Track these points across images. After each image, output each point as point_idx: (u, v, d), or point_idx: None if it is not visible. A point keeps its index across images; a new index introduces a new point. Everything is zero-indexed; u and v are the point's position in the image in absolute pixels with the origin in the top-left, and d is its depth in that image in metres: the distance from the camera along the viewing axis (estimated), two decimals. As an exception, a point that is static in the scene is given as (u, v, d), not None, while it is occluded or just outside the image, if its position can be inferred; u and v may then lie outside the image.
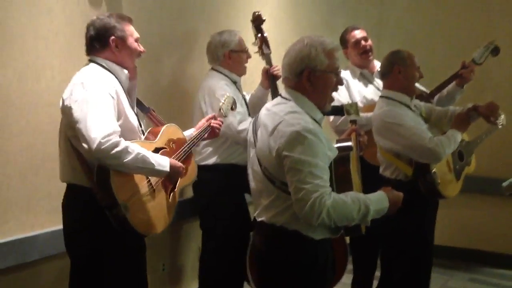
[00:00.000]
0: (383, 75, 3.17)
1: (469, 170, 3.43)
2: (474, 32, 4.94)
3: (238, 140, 3.23)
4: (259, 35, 3.47)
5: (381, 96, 3.19)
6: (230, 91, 3.25)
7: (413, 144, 2.97)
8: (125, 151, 2.22)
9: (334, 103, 3.54)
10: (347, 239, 3.34)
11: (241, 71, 3.39)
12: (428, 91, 3.67)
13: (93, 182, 2.28)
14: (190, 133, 2.79)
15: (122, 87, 2.42)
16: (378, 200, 2.16)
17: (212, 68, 3.38)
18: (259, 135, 2.21)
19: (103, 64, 2.41)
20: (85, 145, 2.21)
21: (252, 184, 2.29)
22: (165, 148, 2.54)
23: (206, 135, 2.79)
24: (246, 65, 3.42)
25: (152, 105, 3.21)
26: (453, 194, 3.26)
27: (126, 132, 2.36)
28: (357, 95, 3.77)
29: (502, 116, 3.51)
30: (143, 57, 3.11)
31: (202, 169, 3.31)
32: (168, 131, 2.60)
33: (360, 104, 3.63)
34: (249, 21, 3.65)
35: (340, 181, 2.22)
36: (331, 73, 2.17)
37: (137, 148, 2.27)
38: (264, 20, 3.48)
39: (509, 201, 4.39)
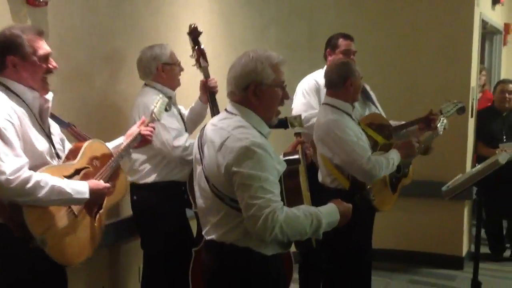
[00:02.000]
0: (334, 86, 3.17)
1: (406, 181, 3.49)
2: (401, 44, 5.13)
3: (173, 157, 3.18)
4: (196, 47, 3.45)
5: (325, 104, 3.20)
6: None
7: (352, 161, 3.02)
8: (38, 185, 2.08)
9: (306, 108, 3.68)
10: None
11: (175, 84, 3.36)
12: (393, 125, 3.72)
13: (6, 217, 2.12)
14: (119, 142, 2.67)
15: (31, 109, 2.24)
16: (329, 213, 2.16)
17: (145, 84, 3.33)
18: (205, 152, 2.17)
19: (6, 84, 2.22)
20: None
21: (200, 201, 2.24)
22: (88, 167, 2.39)
23: (136, 144, 2.67)
24: (180, 78, 3.39)
25: (84, 123, 3.15)
26: (389, 208, 3.32)
27: (33, 158, 2.18)
28: None
29: (445, 121, 3.65)
30: (73, 74, 3.09)
31: (140, 188, 3.27)
32: (91, 148, 2.44)
33: None
34: (180, 36, 3.64)
35: (290, 195, 2.22)
36: (278, 87, 2.18)
37: (50, 180, 2.13)
38: (201, 33, 3.47)
39: (446, 203, 4.56)
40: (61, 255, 2.21)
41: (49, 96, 2.37)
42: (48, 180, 2.13)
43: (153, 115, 2.77)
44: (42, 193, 2.09)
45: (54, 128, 2.43)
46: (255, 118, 2.16)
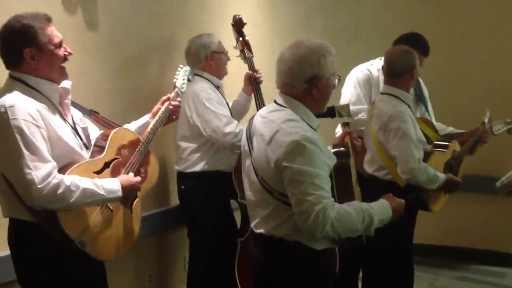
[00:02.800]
0: (396, 74, 3.07)
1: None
2: (450, 31, 4.98)
3: (224, 143, 3.18)
4: (241, 38, 3.43)
5: (387, 93, 3.11)
6: (214, 95, 3.21)
7: (403, 155, 2.96)
8: (69, 190, 1.99)
9: (355, 100, 3.61)
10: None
11: (223, 73, 3.37)
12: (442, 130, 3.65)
13: (42, 221, 2.05)
14: (145, 120, 2.54)
15: (52, 102, 2.12)
16: (382, 210, 2.11)
17: (195, 73, 3.32)
18: (255, 144, 2.13)
19: (24, 80, 2.07)
20: (21, 194, 1.97)
21: (249, 194, 2.21)
22: (117, 158, 2.29)
23: (164, 122, 2.52)
24: (226, 66, 3.39)
25: (134, 112, 3.15)
26: (439, 208, 3.25)
27: (65, 156, 2.10)
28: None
29: (487, 115, 3.52)
30: (122, 65, 3.10)
31: (188, 176, 3.28)
32: (117, 138, 2.32)
33: None
34: (225, 26, 3.61)
35: (341, 190, 2.16)
36: (334, 78, 2.15)
37: (81, 183, 2.03)
38: (245, 24, 3.45)
39: (496, 198, 4.41)
40: (101, 252, 2.18)
41: (67, 84, 2.22)
42: (79, 183, 2.04)
43: (176, 88, 2.62)
44: (74, 197, 2.00)
45: (76, 116, 2.31)
46: (305, 111, 2.12)
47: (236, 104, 3.49)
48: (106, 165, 2.24)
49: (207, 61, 3.28)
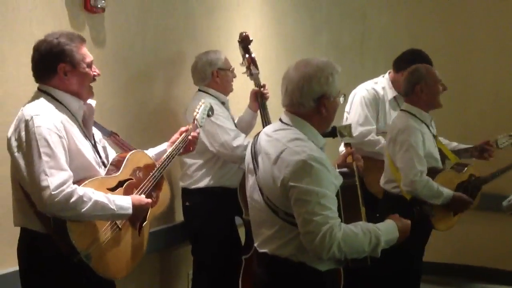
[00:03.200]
0: (405, 94, 3.21)
1: (472, 206, 3.34)
2: (455, 46, 4.98)
3: (233, 157, 3.17)
4: (247, 55, 3.43)
5: (403, 110, 3.21)
6: (220, 110, 3.21)
7: (405, 166, 3.01)
8: (81, 200, 2.03)
9: (363, 121, 3.60)
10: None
11: (228, 90, 3.37)
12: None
13: (51, 231, 2.09)
14: (162, 148, 2.59)
15: (76, 118, 2.20)
16: (388, 230, 2.09)
17: (200, 90, 3.33)
18: (260, 163, 2.12)
19: (53, 94, 2.16)
20: (34, 199, 2.02)
21: (252, 213, 2.20)
22: (131, 179, 2.33)
23: (180, 151, 2.59)
24: (233, 82, 3.39)
25: (140, 129, 3.16)
26: (444, 229, 3.22)
27: (82, 170, 2.15)
28: (387, 115, 3.68)
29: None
30: (129, 81, 3.11)
31: (192, 192, 3.27)
32: (134, 159, 2.37)
33: (383, 128, 3.63)
34: (232, 42, 3.62)
35: (348, 210, 2.14)
36: (339, 97, 2.15)
37: (93, 195, 2.08)
38: (251, 41, 3.45)
39: (503, 216, 4.36)
40: (105, 269, 2.17)
41: (93, 103, 2.32)
42: (92, 195, 2.08)
43: (195, 121, 2.68)
44: (85, 208, 2.04)
45: (96, 135, 2.39)
46: (311, 130, 2.11)
47: (242, 121, 3.48)
48: (120, 183, 2.28)
49: (213, 78, 3.29)
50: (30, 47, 2.52)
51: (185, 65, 3.44)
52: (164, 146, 2.60)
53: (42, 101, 2.14)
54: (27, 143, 2.03)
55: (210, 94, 3.28)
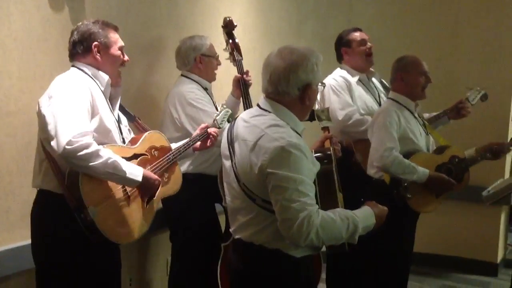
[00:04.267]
0: (391, 81, 3.31)
1: (457, 187, 3.30)
2: (441, 39, 4.99)
3: (218, 141, 3.14)
4: (231, 41, 3.40)
5: (388, 98, 3.31)
6: (202, 95, 3.18)
7: (376, 144, 3.09)
8: (96, 154, 2.15)
9: (343, 105, 3.65)
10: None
11: (211, 77, 3.33)
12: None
13: (64, 186, 2.22)
14: (181, 144, 2.74)
15: (103, 93, 2.39)
16: (365, 217, 2.09)
17: (182, 75, 3.30)
18: (237, 149, 2.09)
19: (84, 69, 2.38)
20: (53, 144, 2.13)
21: (228, 199, 2.18)
22: (146, 155, 2.48)
23: (198, 143, 2.78)
24: (216, 70, 3.35)
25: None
26: (429, 210, 3.22)
27: (101, 135, 2.31)
28: (358, 100, 3.71)
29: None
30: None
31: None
32: (151, 138, 2.55)
33: (362, 111, 3.65)
34: (216, 28, 3.58)
35: (325, 197, 2.14)
36: (319, 85, 2.15)
37: (109, 154, 2.20)
38: (235, 26, 3.41)
39: (482, 208, 4.42)
40: (110, 230, 2.24)
41: (119, 89, 2.54)
42: (107, 153, 2.20)
43: (215, 121, 2.84)
44: (98, 161, 2.15)
45: (123, 120, 2.58)
46: (290, 116, 2.09)
47: None
48: (135, 156, 2.43)
49: (195, 64, 3.25)
50: (7, 27, 2.49)
51: (167, 51, 3.41)
52: (183, 142, 2.77)
53: (73, 70, 2.38)
54: (56, 98, 2.21)
55: (193, 80, 3.25)
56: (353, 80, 3.76)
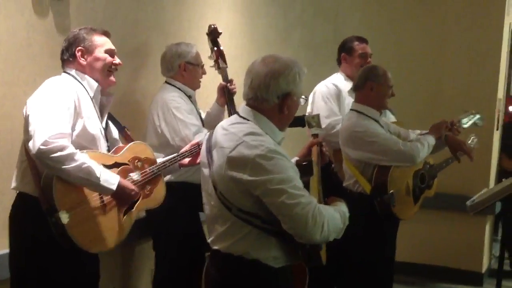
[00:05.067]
0: (356, 88, 3.22)
1: (429, 193, 3.41)
2: (427, 48, 5.03)
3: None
4: (215, 48, 3.37)
5: (351, 109, 3.23)
6: (184, 104, 3.15)
7: (386, 148, 3.04)
8: (70, 157, 2.12)
9: (328, 114, 3.61)
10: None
11: (195, 85, 3.30)
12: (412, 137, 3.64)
13: (39, 187, 2.20)
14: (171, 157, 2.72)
15: (92, 99, 2.39)
16: (343, 205, 2.14)
17: (166, 81, 3.27)
18: (214, 157, 2.07)
19: (73, 74, 2.40)
20: (30, 144, 2.11)
21: (206, 207, 2.16)
22: (128, 165, 2.45)
23: (187, 159, 2.75)
24: (201, 79, 3.33)
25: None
26: (407, 217, 3.25)
27: (84, 140, 2.30)
28: (347, 109, 3.66)
29: (471, 139, 3.55)
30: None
31: (154, 187, 3.21)
32: (135, 149, 2.53)
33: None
34: (203, 34, 3.56)
35: None
36: (300, 98, 2.16)
37: (84, 158, 2.18)
38: (220, 33, 3.40)
39: (467, 217, 4.44)
40: (81, 237, 2.20)
41: (111, 97, 2.53)
42: (82, 157, 2.17)
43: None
44: (71, 165, 2.12)
45: (113, 129, 2.57)
46: (269, 125, 2.08)
47: (209, 116, 3.43)
48: (116, 164, 2.40)
49: (179, 71, 3.22)
50: (-11, 31, 2.45)
51: (152, 57, 3.38)
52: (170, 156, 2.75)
53: (62, 75, 2.40)
54: (40, 99, 2.22)
55: (176, 87, 3.22)
56: (346, 88, 3.75)
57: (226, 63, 3.38)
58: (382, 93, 3.16)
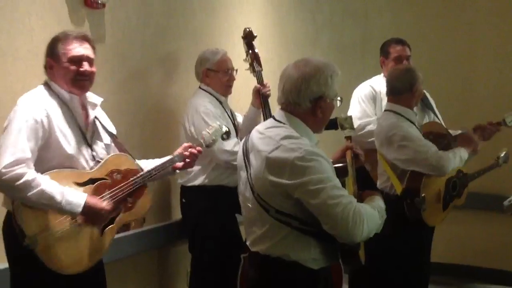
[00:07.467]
0: (398, 92, 3.13)
1: (459, 202, 3.35)
2: (458, 47, 4.97)
3: (220, 160, 3.15)
4: (250, 51, 3.39)
5: (388, 110, 3.17)
6: (213, 109, 3.18)
7: (418, 156, 2.99)
8: (28, 185, 2.07)
9: (361, 115, 3.62)
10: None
11: (222, 91, 3.30)
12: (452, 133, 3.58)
13: (12, 212, 2.15)
14: (165, 159, 2.51)
15: (71, 109, 2.27)
16: (379, 200, 2.15)
17: (200, 87, 3.32)
18: (252, 160, 2.08)
19: (50, 85, 2.29)
20: None
21: (244, 211, 2.18)
22: (106, 179, 2.31)
23: (175, 165, 2.50)
24: (231, 85, 3.33)
25: (138, 126, 3.15)
26: (435, 223, 3.20)
27: (58, 160, 2.21)
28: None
29: (504, 153, 3.49)
30: (127, 78, 3.10)
31: (189, 190, 3.26)
32: (114, 161, 2.35)
33: None
34: (233, 40, 3.61)
35: None
36: (336, 100, 2.13)
37: (44, 184, 2.10)
38: (255, 37, 3.41)
39: (504, 217, 4.34)
40: (51, 260, 2.15)
41: (97, 100, 2.40)
42: (42, 182, 2.10)
43: (202, 140, 2.59)
44: (30, 193, 2.08)
45: (105, 139, 2.43)
46: (304, 128, 2.08)
47: (246, 119, 3.43)
48: (91, 181, 2.28)
49: (203, 77, 3.28)
50: (28, 42, 2.54)
51: (184, 63, 3.44)
52: (168, 157, 2.53)
53: (38, 89, 2.28)
54: (7, 122, 2.17)
55: (208, 92, 3.26)
56: (384, 89, 3.73)
57: (261, 66, 3.40)
58: (420, 92, 3.17)
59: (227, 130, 2.72)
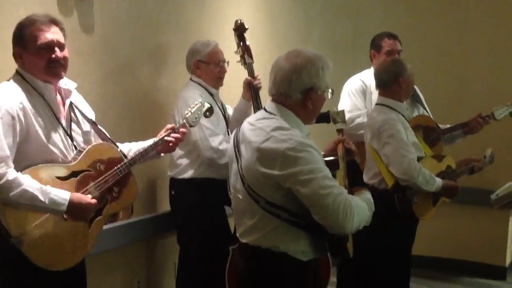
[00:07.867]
0: (384, 85, 3.16)
1: (446, 198, 3.35)
2: (449, 44, 4.99)
3: (204, 156, 3.15)
4: (241, 43, 3.40)
5: (379, 104, 3.19)
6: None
7: (395, 154, 3.00)
8: (8, 185, 2.01)
9: (351, 109, 3.63)
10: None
11: (212, 83, 3.28)
12: (441, 127, 3.64)
13: None
14: (151, 142, 2.47)
15: (46, 99, 2.19)
16: (369, 194, 2.18)
17: (191, 79, 3.31)
18: (242, 151, 2.09)
19: (23, 75, 2.18)
20: None
21: (234, 202, 2.19)
22: (89, 170, 2.25)
23: (158, 150, 2.47)
24: (222, 77, 3.32)
25: (126, 118, 3.15)
26: (425, 218, 3.22)
27: (38, 153, 2.15)
28: (374, 103, 3.68)
29: (490, 153, 3.53)
30: (117, 68, 3.10)
31: (179, 183, 3.26)
32: (95, 151, 2.29)
33: None
34: (223, 33, 3.61)
35: None
36: (327, 92, 2.13)
37: (25, 183, 2.05)
38: (246, 29, 3.41)
39: (490, 211, 4.40)
40: (39, 257, 2.11)
41: (71, 86, 2.31)
42: (23, 182, 2.05)
43: (185, 120, 2.56)
44: (12, 193, 2.02)
45: (84, 126, 2.38)
46: (295, 119, 2.09)
47: (236, 111, 3.43)
48: (74, 174, 2.22)
49: (194, 68, 3.26)
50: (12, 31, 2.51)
51: (174, 55, 3.43)
52: (151, 141, 2.49)
53: (10, 82, 2.17)
54: None
55: (199, 84, 3.26)
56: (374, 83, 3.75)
57: (252, 58, 3.40)
58: (410, 83, 3.18)
59: (210, 106, 2.68)
